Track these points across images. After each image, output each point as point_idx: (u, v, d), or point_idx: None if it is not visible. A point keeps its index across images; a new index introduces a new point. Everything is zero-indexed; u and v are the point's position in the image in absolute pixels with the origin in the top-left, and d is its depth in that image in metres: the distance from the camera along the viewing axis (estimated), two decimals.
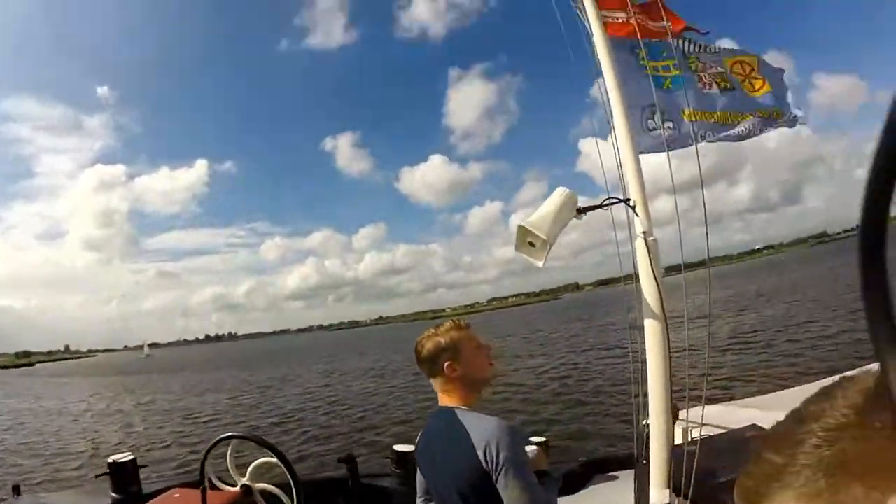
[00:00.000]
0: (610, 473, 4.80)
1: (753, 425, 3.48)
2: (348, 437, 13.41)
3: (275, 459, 3.37)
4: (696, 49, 3.11)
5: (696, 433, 2.59)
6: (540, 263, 2.03)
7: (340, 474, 5.05)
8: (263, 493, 3.58)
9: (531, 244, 2.04)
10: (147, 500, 3.35)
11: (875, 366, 0.43)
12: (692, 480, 2.10)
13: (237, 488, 3.52)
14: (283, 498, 3.51)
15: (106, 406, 27.72)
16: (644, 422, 2.35)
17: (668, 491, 2.13)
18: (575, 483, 4.69)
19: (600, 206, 2.17)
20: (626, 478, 4.45)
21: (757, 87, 3.14)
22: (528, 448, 1.94)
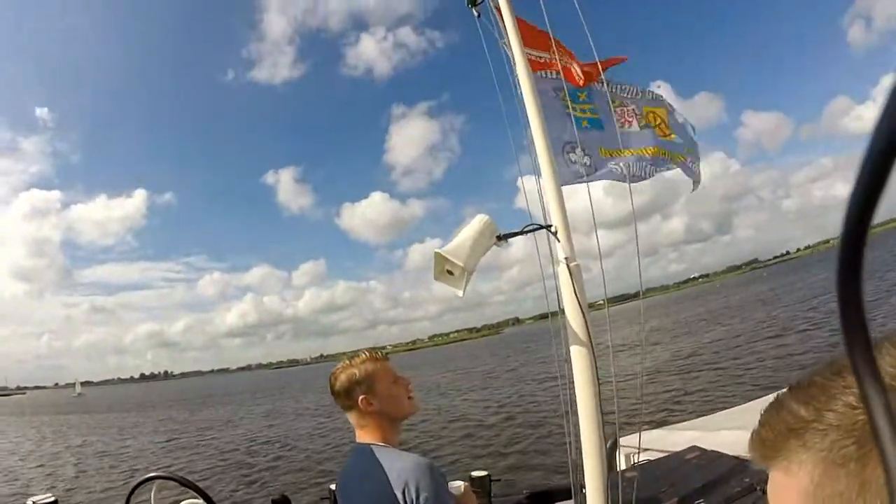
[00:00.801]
0: None
1: (694, 447, 3.53)
2: (287, 478, 13.04)
3: (201, 501, 3.24)
4: (619, 90, 3.24)
5: (636, 458, 2.62)
6: (460, 293, 1.99)
7: None
8: None
9: (450, 272, 2.02)
10: None
11: None
12: None
13: None
14: None
15: (35, 446, 26.29)
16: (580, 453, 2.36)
17: None
18: None
19: (521, 233, 2.17)
20: None
21: (667, 134, 3.32)
22: (454, 485, 1.91)
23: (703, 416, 6.27)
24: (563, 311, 2.21)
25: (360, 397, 1.77)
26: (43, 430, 36.39)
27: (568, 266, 2.14)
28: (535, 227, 2.21)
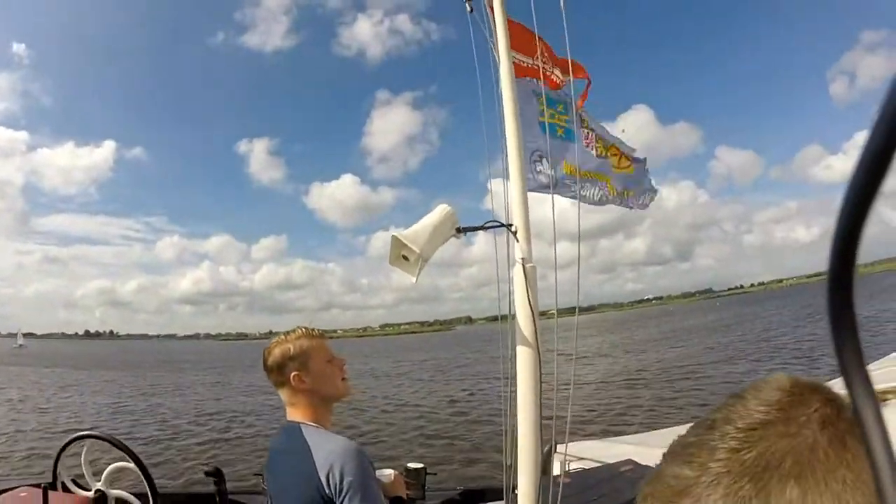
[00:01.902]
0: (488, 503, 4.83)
1: (629, 460, 3.60)
2: (224, 451, 12.90)
3: (132, 465, 3.20)
4: (588, 117, 3.34)
5: (571, 466, 2.66)
6: (413, 279, 1.98)
7: (206, 489, 4.81)
8: (118, 500, 3.37)
9: (405, 258, 2.01)
10: None
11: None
12: None
13: (91, 493, 3.29)
14: None
15: None
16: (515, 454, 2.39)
17: None
18: None
19: (481, 228, 2.18)
20: None
21: (622, 166, 3.45)
22: (384, 473, 1.91)
23: (643, 432, 6.41)
24: (513, 313, 2.23)
25: (293, 374, 1.74)
26: None
27: (524, 267, 2.15)
28: (496, 224, 2.22)
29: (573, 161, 3.03)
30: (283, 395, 1.80)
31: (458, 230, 2.09)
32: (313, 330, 1.85)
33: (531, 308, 2.13)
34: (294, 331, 1.84)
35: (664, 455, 0.45)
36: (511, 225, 2.23)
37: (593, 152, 3.29)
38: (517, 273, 2.18)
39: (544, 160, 2.91)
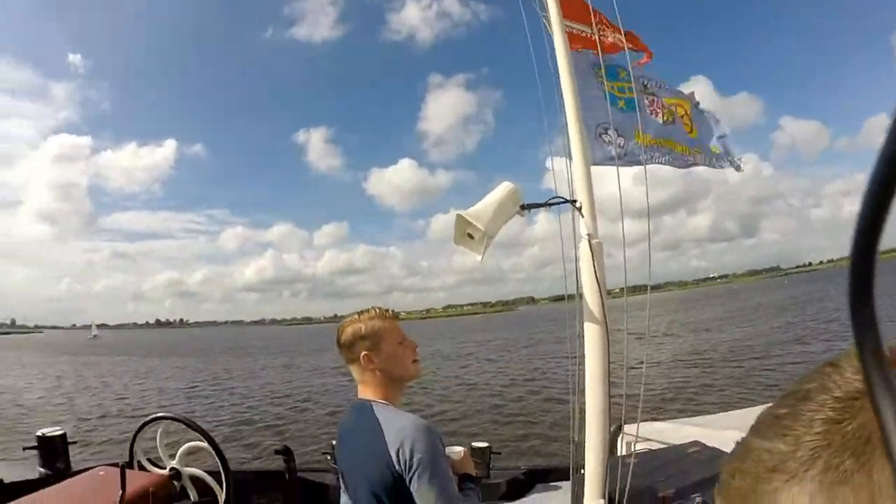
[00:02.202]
0: (552, 483, 4.80)
1: (696, 441, 3.50)
2: (294, 429, 13.26)
3: (205, 444, 3.31)
4: (650, 83, 3.21)
5: (637, 447, 2.60)
6: (479, 257, 1.97)
7: (276, 466, 4.95)
8: (192, 477, 3.49)
9: (470, 236, 1.99)
10: (73, 477, 3.25)
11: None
12: (626, 493, 2.10)
13: (166, 471, 3.42)
14: (213, 484, 3.44)
15: (49, 384, 26.98)
16: (583, 434, 2.35)
17: (602, 501, 2.12)
18: (516, 491, 4.68)
19: (545, 205, 2.13)
20: (568, 489, 4.46)
21: (690, 129, 3.31)
22: (454, 450, 1.89)
23: (710, 413, 6.23)
24: (580, 292, 2.18)
25: (363, 353, 1.75)
26: (59, 368, 37.27)
27: (590, 243, 2.10)
28: (560, 200, 2.17)
29: (638, 130, 2.93)
30: (354, 372, 1.81)
31: (522, 207, 2.06)
32: (387, 311, 1.85)
33: (598, 285, 2.08)
34: (368, 311, 1.84)
35: (752, 428, 0.41)
36: (575, 201, 2.17)
37: (659, 119, 3.17)
38: (583, 250, 2.13)
39: (608, 132, 2.83)
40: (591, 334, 2.12)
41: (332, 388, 20.66)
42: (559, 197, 2.18)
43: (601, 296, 2.08)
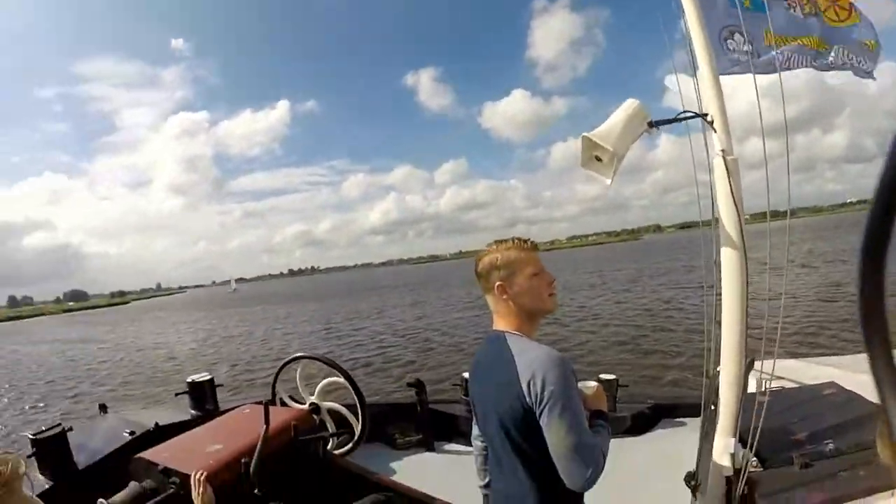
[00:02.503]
0: (678, 419, 4.68)
1: (832, 383, 3.27)
2: (426, 363, 13.80)
3: (342, 379, 3.48)
4: None
5: (769, 385, 2.43)
6: (608, 181, 1.86)
7: (408, 399, 5.17)
8: (330, 411, 3.70)
9: (598, 159, 1.87)
10: (221, 416, 3.54)
11: None
12: (759, 431, 1.96)
13: (306, 406, 3.64)
14: (349, 417, 3.63)
15: (195, 336, 29.72)
16: (717, 368, 2.21)
17: (734, 440, 2.00)
18: (642, 425, 4.63)
19: (674, 121, 1.95)
20: (694, 425, 4.32)
21: (842, 18, 2.80)
22: (587, 385, 1.82)
23: (846, 353, 5.78)
24: (716, 218, 2.00)
25: (497, 283, 1.71)
26: (204, 322, 40.83)
27: (724, 159, 1.91)
28: (690, 114, 1.96)
29: (768, 29, 2.54)
30: (490, 302, 1.78)
31: (650, 125, 1.91)
32: (525, 242, 1.78)
33: (736, 205, 1.90)
34: (506, 241, 1.79)
35: None
36: (706, 114, 1.97)
37: (797, 11, 2.73)
38: (718, 167, 1.95)
39: (735, 36, 2.53)
40: (729, 260, 1.96)
41: (462, 323, 21.28)
42: (689, 111, 1.98)
43: (739, 217, 1.90)
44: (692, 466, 2.32)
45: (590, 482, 1.53)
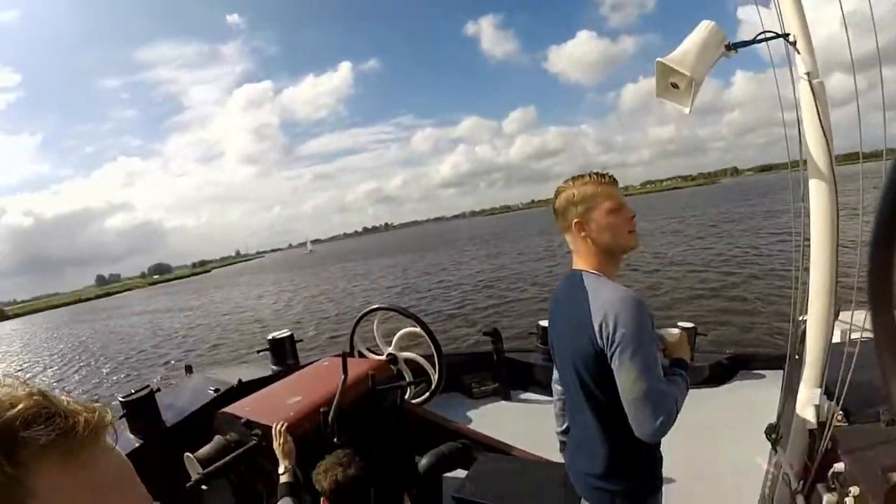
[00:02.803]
0: (756, 371, 4.53)
1: None
2: (502, 311, 13.84)
3: (419, 330, 3.52)
4: None
5: (856, 336, 2.29)
6: (686, 109, 1.74)
7: (485, 348, 5.21)
8: (408, 361, 3.76)
9: (674, 86, 1.76)
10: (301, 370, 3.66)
11: None
12: (846, 385, 1.85)
13: (383, 357, 3.70)
14: (426, 366, 3.69)
15: (276, 297, 30.87)
16: (801, 317, 2.09)
17: (819, 391, 1.89)
18: (720, 376, 4.51)
19: (753, 42, 1.77)
20: (773, 378, 4.19)
21: None
22: (670, 331, 1.74)
23: None
24: (803, 160, 1.84)
25: (575, 220, 1.64)
26: (284, 283, 42.32)
27: (810, 83, 1.73)
28: (771, 35, 1.78)
29: None
30: (569, 241, 1.71)
31: (728, 47, 1.77)
32: (604, 176, 1.69)
33: (824, 132, 1.73)
34: (583, 176, 1.70)
35: None
36: (788, 34, 1.78)
37: None
38: (803, 92, 1.76)
39: None
40: (818, 197, 1.79)
41: (536, 273, 21.16)
42: (768, 31, 1.80)
43: (828, 144, 1.73)
44: (771, 419, 2.24)
45: (660, 432, 1.47)
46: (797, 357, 2.08)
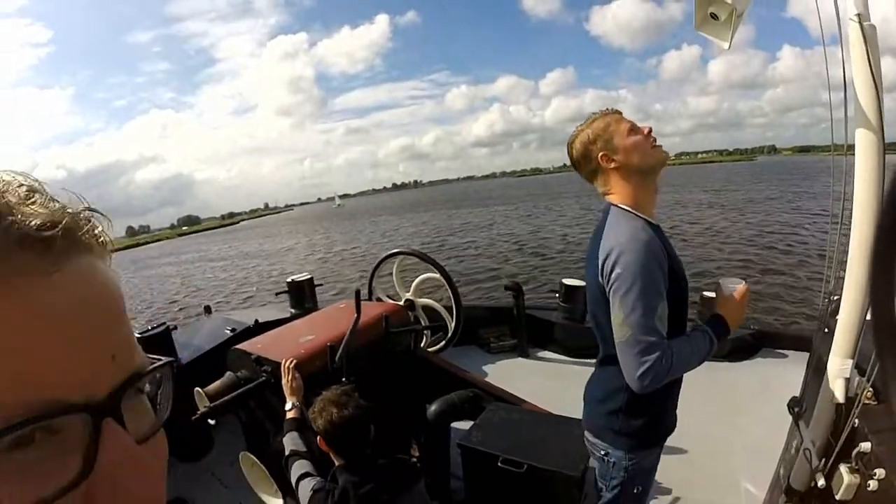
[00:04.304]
0: (779, 350, 4.42)
1: None
2: (526, 267, 13.79)
3: (438, 276, 3.48)
4: None
5: None
6: (726, 44, 1.66)
7: (506, 303, 5.16)
8: (425, 308, 3.73)
9: (714, 17, 1.66)
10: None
11: None
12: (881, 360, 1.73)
13: (401, 302, 3.66)
14: (444, 314, 3.66)
15: (303, 250, 31.21)
16: (834, 296, 1.98)
17: (851, 362, 1.79)
18: (742, 351, 4.42)
19: None
20: (795, 358, 4.08)
21: None
22: (728, 283, 1.65)
23: None
24: (849, 144, 1.68)
25: (600, 154, 1.59)
26: (312, 235, 42.77)
27: (861, 25, 1.55)
28: None
29: None
30: (599, 185, 1.67)
31: None
32: (607, 109, 1.67)
33: (874, 78, 1.55)
34: (588, 118, 1.68)
35: None
36: None
37: None
38: (853, 34, 1.57)
39: None
40: (863, 146, 1.61)
41: (567, 233, 21.02)
42: None
43: (878, 90, 1.55)
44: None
45: (640, 383, 1.43)
46: (826, 331, 1.98)
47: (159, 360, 0.39)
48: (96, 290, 0.35)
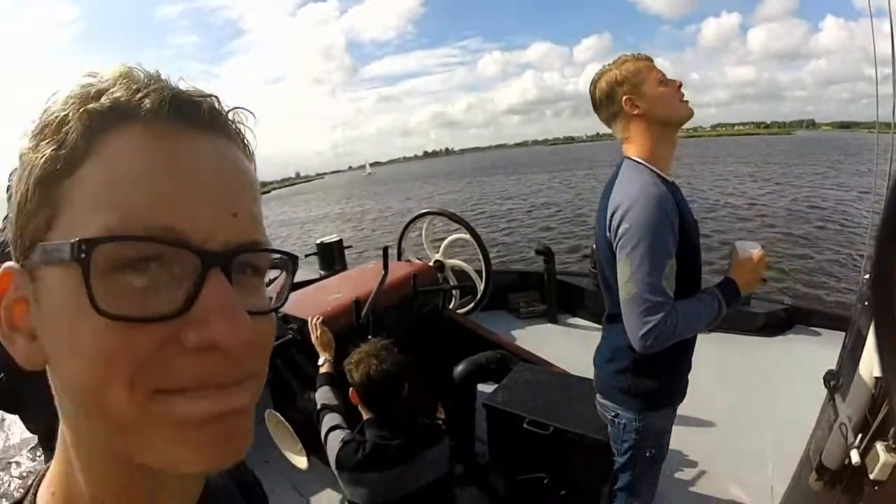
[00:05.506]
0: (813, 328, 4.30)
1: None
2: (558, 232, 13.71)
3: (468, 237, 3.46)
4: None
5: None
6: None
7: (537, 268, 5.12)
8: (454, 269, 3.73)
9: None
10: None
11: None
12: None
13: (430, 263, 3.66)
14: (473, 276, 3.65)
15: (334, 218, 31.41)
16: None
17: None
18: (775, 326, 4.30)
19: None
20: (829, 337, 3.97)
21: None
22: (745, 246, 1.59)
23: None
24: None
25: (625, 97, 1.52)
26: (342, 203, 43.08)
27: None
28: None
29: None
30: (617, 130, 1.59)
31: None
32: (639, 54, 1.58)
33: None
34: (618, 58, 1.59)
35: None
36: None
37: None
38: None
39: None
40: None
41: (594, 201, 20.94)
42: None
43: None
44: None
45: (643, 342, 1.39)
46: (867, 303, 1.91)
47: (285, 252, 0.44)
48: (230, 162, 0.39)
